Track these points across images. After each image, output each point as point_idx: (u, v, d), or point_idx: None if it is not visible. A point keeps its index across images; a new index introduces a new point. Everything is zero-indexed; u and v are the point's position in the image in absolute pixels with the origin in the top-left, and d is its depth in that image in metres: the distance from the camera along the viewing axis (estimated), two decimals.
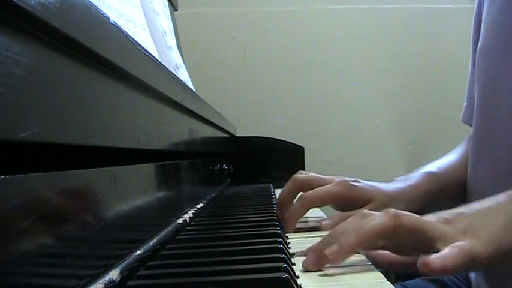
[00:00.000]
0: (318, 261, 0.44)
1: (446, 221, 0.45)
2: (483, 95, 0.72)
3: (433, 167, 0.79)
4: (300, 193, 0.69)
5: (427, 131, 1.90)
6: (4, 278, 0.22)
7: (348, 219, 0.47)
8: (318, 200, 0.67)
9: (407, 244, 0.46)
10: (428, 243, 0.44)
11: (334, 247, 0.43)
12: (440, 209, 0.48)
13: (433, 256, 0.41)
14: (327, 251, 0.43)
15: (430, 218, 0.46)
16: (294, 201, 0.68)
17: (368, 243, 0.45)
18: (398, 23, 1.92)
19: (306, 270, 0.44)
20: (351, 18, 1.91)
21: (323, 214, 0.80)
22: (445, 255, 0.41)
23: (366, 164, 1.83)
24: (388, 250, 0.49)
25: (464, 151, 0.82)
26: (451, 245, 0.42)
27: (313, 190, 0.66)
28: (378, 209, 0.68)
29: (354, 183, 0.68)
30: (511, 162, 0.65)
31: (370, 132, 1.90)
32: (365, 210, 0.48)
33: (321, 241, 0.47)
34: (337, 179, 0.68)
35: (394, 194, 0.71)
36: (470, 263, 0.42)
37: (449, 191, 0.77)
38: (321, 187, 0.67)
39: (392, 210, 0.44)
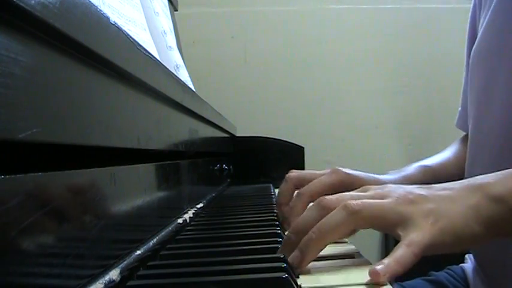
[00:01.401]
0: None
1: (409, 202, 0.44)
2: (477, 97, 0.72)
3: (427, 161, 0.81)
4: (297, 191, 0.69)
5: (427, 131, 1.90)
6: (4, 278, 0.22)
7: (307, 213, 0.47)
8: (316, 191, 0.67)
9: (370, 226, 0.45)
10: (391, 227, 0.44)
11: (296, 254, 0.43)
12: None
13: (380, 266, 0.40)
14: (291, 260, 0.43)
15: (394, 196, 0.45)
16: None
17: (330, 240, 0.44)
18: (398, 23, 1.92)
19: None
20: (351, 18, 1.91)
21: None
22: (396, 258, 0.41)
23: (366, 164, 1.83)
24: None
25: (457, 149, 0.84)
26: (405, 242, 0.42)
27: (309, 184, 0.67)
28: None
29: (349, 172, 0.69)
30: (504, 164, 0.65)
31: (370, 132, 1.90)
32: (324, 199, 0.47)
33: (284, 243, 0.46)
34: (331, 169, 0.69)
35: (387, 183, 0.72)
36: (426, 252, 0.42)
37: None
38: (316, 179, 0.67)
39: (351, 204, 0.44)
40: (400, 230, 0.43)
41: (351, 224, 0.44)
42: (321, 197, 0.48)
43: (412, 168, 0.78)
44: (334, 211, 0.44)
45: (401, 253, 0.41)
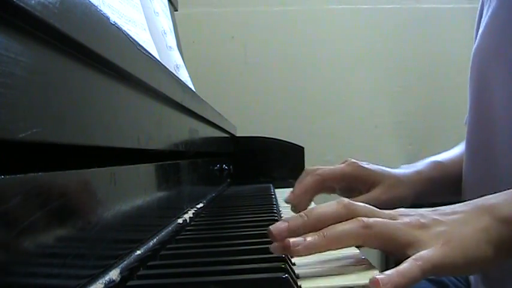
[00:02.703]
0: (283, 249, 0.43)
1: (421, 225, 0.44)
2: (477, 96, 0.72)
3: (438, 157, 0.82)
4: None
5: (427, 131, 1.90)
6: (4, 278, 0.22)
7: (329, 207, 0.46)
8: (330, 176, 0.69)
9: (378, 246, 0.45)
10: (400, 249, 0.43)
11: (299, 242, 0.42)
12: (443, 197, 0.48)
13: (386, 274, 0.39)
14: (293, 241, 0.42)
15: (406, 218, 0.45)
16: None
17: (335, 247, 0.44)
18: (398, 23, 1.92)
19: (270, 234, 0.43)
20: (351, 18, 1.91)
21: None
22: (400, 270, 0.40)
23: None
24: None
25: None
26: (413, 257, 0.41)
27: (324, 168, 0.69)
28: (385, 191, 0.71)
29: (363, 165, 0.71)
30: (506, 163, 0.65)
31: (370, 132, 1.90)
32: (350, 204, 0.46)
33: (294, 220, 0.45)
34: (348, 161, 0.72)
35: (400, 177, 0.74)
36: (435, 270, 0.42)
37: (452, 181, 0.78)
38: (333, 167, 0.70)
39: (364, 219, 0.44)
40: (410, 252, 0.42)
41: (360, 237, 0.43)
42: (349, 201, 0.47)
43: (424, 163, 0.79)
44: (349, 221, 0.44)
45: (407, 266, 0.40)
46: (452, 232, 0.44)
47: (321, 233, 0.43)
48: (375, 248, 0.45)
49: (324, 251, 0.44)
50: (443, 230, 0.44)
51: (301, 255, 0.43)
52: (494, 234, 0.45)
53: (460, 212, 0.47)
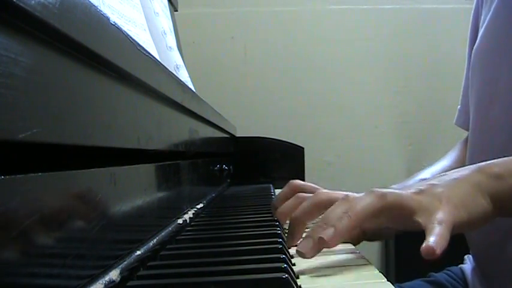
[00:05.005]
0: (314, 246, 0.44)
1: (421, 192, 0.48)
2: (478, 95, 0.72)
3: (427, 174, 0.81)
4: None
5: (427, 131, 1.90)
6: (4, 278, 0.22)
7: (336, 203, 0.48)
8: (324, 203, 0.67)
9: (391, 218, 0.48)
10: (408, 215, 0.46)
11: (330, 230, 0.44)
12: None
13: (431, 241, 0.42)
14: (324, 235, 0.44)
15: (406, 191, 0.48)
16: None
17: (360, 224, 0.46)
18: (398, 23, 1.92)
19: (301, 255, 0.45)
20: (351, 18, 1.91)
21: None
22: (439, 235, 0.43)
23: (366, 164, 1.83)
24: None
25: (456, 156, 0.84)
26: (436, 222, 0.44)
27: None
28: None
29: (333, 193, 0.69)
30: None
31: (370, 132, 1.90)
32: (349, 194, 0.49)
33: (314, 226, 0.47)
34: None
35: None
36: (453, 230, 0.45)
37: None
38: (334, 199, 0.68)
39: (377, 190, 0.47)
40: (418, 217, 0.46)
41: (378, 205, 0.46)
42: (346, 195, 0.49)
43: (413, 182, 0.77)
44: (362, 195, 0.47)
45: (440, 230, 0.43)
46: (449, 191, 0.47)
47: (343, 213, 0.45)
48: (387, 222, 0.48)
49: (355, 226, 0.46)
50: (441, 191, 0.47)
51: (338, 239, 0.45)
52: (487, 188, 0.48)
53: (455, 173, 0.51)
